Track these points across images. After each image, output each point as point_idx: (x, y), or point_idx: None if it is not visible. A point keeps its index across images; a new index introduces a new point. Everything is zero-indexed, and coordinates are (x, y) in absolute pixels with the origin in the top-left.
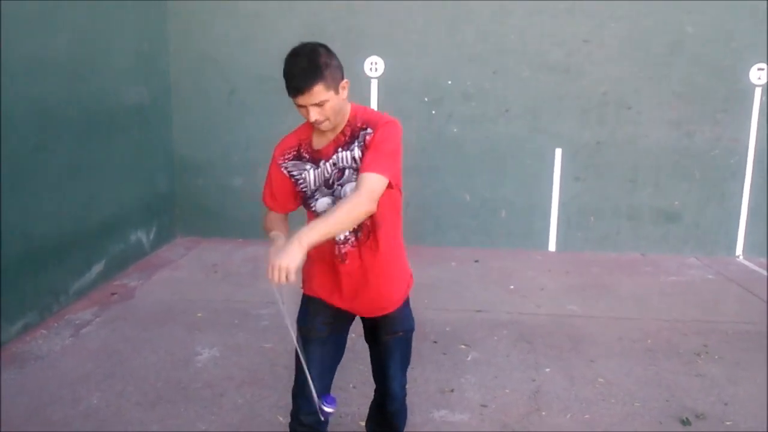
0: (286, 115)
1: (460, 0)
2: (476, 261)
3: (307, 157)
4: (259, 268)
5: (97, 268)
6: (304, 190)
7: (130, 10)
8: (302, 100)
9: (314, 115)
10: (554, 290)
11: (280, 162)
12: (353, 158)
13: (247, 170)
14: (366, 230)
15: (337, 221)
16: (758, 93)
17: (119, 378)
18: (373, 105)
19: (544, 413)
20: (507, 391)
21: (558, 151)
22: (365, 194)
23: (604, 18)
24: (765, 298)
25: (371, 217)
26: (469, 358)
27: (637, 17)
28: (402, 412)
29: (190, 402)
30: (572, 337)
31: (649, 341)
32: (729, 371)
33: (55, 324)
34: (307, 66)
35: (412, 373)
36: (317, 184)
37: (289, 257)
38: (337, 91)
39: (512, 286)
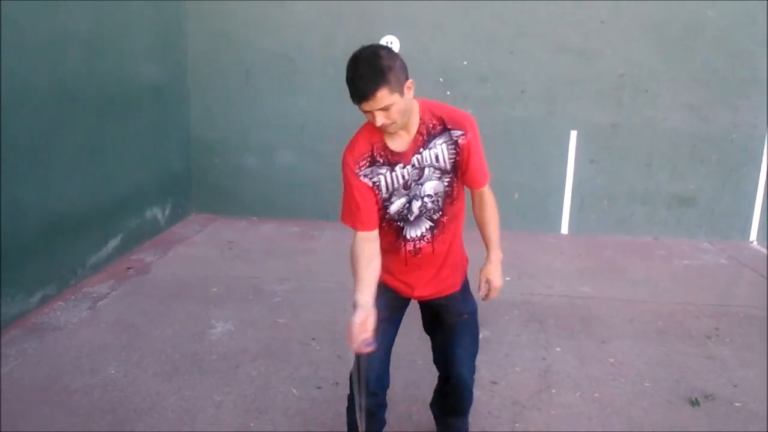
0: (300, 95)
1: None
2: None
3: (382, 161)
4: (272, 246)
5: (114, 243)
6: (378, 195)
7: None
8: (367, 106)
9: (381, 119)
10: (566, 272)
11: (357, 171)
12: (437, 157)
13: (262, 150)
14: (441, 225)
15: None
16: None
17: (136, 349)
18: None
19: (554, 391)
20: (517, 369)
21: (573, 134)
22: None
23: None
24: None
25: (449, 212)
26: (480, 337)
27: None
28: (469, 400)
29: (206, 374)
30: (584, 318)
31: (661, 323)
32: (739, 354)
33: (73, 296)
34: (369, 72)
35: (421, 348)
36: (394, 187)
37: (499, 275)
38: (402, 93)
39: (524, 268)
